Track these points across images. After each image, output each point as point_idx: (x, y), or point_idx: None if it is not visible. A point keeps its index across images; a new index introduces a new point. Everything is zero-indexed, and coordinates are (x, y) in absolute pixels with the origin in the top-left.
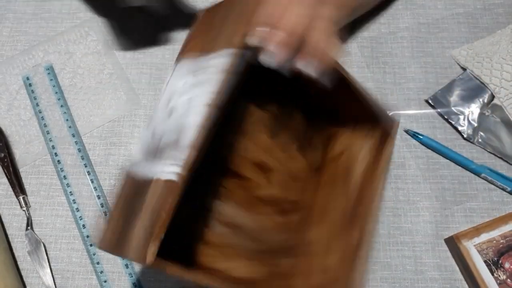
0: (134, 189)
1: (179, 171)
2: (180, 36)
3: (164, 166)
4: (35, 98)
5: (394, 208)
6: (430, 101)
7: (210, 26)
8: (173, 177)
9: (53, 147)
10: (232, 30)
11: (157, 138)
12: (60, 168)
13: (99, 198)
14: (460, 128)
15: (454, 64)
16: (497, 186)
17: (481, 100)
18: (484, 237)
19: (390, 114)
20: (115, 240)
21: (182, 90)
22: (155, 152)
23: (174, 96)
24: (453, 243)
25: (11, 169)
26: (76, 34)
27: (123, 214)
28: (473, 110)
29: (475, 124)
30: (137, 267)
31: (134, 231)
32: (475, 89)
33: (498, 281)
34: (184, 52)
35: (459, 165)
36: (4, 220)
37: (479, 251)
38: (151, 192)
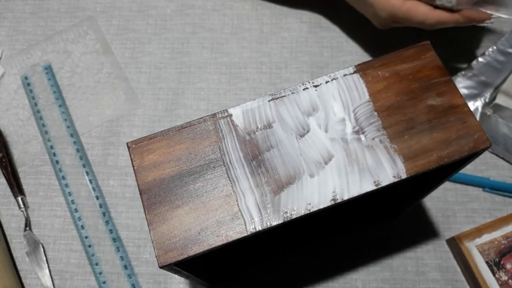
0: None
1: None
2: (179, 35)
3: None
4: (33, 98)
5: None
6: None
7: None
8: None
9: (52, 147)
10: None
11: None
12: (59, 168)
13: (97, 198)
14: None
15: (457, 63)
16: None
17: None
18: (486, 237)
19: None
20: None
21: None
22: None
23: None
24: (454, 244)
25: (9, 169)
26: (75, 33)
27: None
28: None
29: None
30: (136, 268)
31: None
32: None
33: (500, 282)
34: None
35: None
36: (2, 220)
37: (480, 252)
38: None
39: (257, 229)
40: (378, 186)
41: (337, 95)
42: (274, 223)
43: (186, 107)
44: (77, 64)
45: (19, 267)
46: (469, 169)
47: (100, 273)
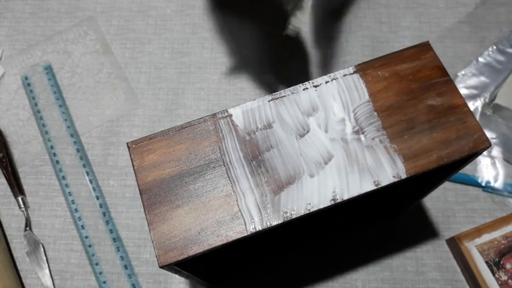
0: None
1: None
2: (179, 35)
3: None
4: (33, 98)
5: None
6: None
7: None
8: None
9: (52, 147)
10: None
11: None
12: (59, 168)
13: (98, 198)
14: None
15: (457, 63)
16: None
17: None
18: (486, 237)
19: None
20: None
21: None
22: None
23: None
24: (454, 244)
25: (9, 169)
26: (75, 33)
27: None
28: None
29: None
30: (136, 268)
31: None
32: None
33: (500, 282)
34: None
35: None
36: (2, 220)
37: (480, 252)
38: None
39: (257, 229)
40: (378, 186)
41: (337, 95)
42: (274, 223)
43: (186, 107)
44: (77, 64)
45: (19, 267)
46: (469, 169)
47: (100, 273)
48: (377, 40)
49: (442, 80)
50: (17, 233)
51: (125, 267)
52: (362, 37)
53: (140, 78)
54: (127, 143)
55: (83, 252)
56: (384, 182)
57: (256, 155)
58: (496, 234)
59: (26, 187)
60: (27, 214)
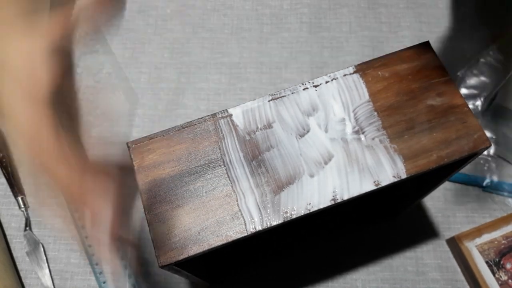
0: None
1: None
2: (179, 35)
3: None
4: None
5: None
6: None
7: None
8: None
9: None
10: None
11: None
12: None
13: None
14: None
15: (457, 63)
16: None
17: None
18: (486, 237)
19: None
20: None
21: None
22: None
23: None
24: (454, 244)
25: (9, 169)
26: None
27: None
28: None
29: None
30: (136, 268)
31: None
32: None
33: (500, 282)
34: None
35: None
36: (2, 220)
37: (480, 252)
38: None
39: (257, 229)
40: (378, 186)
41: (337, 95)
42: (274, 223)
43: (186, 107)
44: (77, 64)
45: (19, 267)
46: (469, 169)
47: (100, 273)
48: (377, 40)
49: (442, 80)
50: (17, 233)
51: (125, 267)
52: (362, 37)
53: (140, 78)
54: (127, 143)
55: (83, 252)
56: (384, 182)
57: (256, 155)
58: (496, 234)
59: (26, 187)
60: (27, 214)
